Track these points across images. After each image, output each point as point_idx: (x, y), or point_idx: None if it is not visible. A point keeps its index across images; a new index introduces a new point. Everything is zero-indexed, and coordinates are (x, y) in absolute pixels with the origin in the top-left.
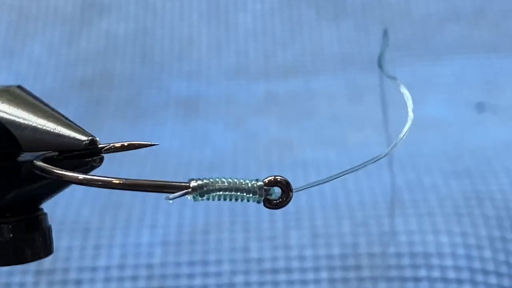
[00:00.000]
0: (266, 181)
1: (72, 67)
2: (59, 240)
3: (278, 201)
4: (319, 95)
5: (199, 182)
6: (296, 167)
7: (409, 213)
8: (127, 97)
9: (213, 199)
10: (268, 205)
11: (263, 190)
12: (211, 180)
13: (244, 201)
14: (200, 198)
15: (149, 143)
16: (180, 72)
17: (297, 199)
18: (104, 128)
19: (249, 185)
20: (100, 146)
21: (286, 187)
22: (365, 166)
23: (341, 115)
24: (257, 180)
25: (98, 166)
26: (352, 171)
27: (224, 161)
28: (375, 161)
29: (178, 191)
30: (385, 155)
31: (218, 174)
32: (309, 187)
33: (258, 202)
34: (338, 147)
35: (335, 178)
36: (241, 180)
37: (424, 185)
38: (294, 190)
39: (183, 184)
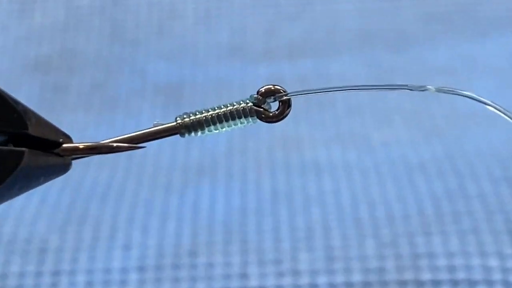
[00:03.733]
0: (262, 91)
1: (24, 45)
2: (9, 265)
3: (277, 111)
4: (334, 81)
5: (185, 117)
6: (306, 171)
7: (449, 230)
8: (92, 83)
9: (206, 131)
10: (267, 119)
11: (259, 100)
12: (197, 111)
13: (239, 125)
14: (192, 134)
15: (132, 145)
16: (159, 52)
17: (308, 212)
18: (64, 121)
19: (241, 103)
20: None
21: (278, 94)
22: (396, 89)
23: (362, 106)
24: (250, 97)
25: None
26: (375, 89)
27: (215, 165)
28: (409, 89)
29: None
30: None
31: (208, 180)
32: (310, 93)
33: (254, 116)
34: (359, 146)
35: (349, 89)
36: (231, 103)
37: (468, 194)
38: (289, 94)
39: (172, 124)
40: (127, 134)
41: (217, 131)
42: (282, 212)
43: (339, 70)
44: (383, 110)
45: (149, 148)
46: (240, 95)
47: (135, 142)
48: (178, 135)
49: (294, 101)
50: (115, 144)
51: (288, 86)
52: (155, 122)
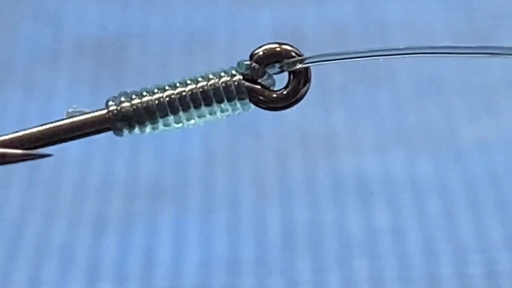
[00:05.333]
0: (260, 53)
1: None
2: None
3: (285, 90)
4: (392, 35)
5: (124, 100)
6: (344, 194)
7: None
8: None
9: (160, 125)
10: (267, 103)
11: (254, 69)
12: (145, 91)
13: (218, 114)
14: (135, 129)
15: (31, 152)
16: None
17: (348, 266)
18: None
19: (223, 75)
20: None
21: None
22: (501, 54)
23: (442, 81)
24: (238, 65)
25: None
26: (465, 54)
27: (183, 185)
28: None
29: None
30: None
31: (171, 212)
32: (346, 58)
33: (246, 98)
34: (437, 150)
35: (418, 54)
36: (205, 74)
37: None
38: (307, 60)
39: (101, 113)
40: (22, 130)
41: (179, 125)
42: (302, 267)
43: (401, 14)
44: (480, 88)
45: (62, 156)
46: (223, 60)
47: (36, 145)
48: (111, 132)
49: (316, 72)
50: (0, 150)
51: (309, 46)
52: (71, 110)
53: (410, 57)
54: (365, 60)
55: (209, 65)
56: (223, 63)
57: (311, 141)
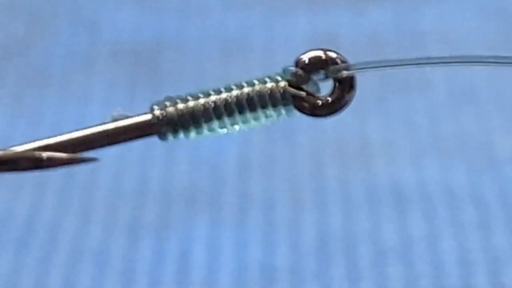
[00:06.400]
0: (305, 60)
1: None
2: None
3: (330, 97)
4: (429, 43)
5: (168, 105)
6: (380, 204)
7: None
8: (6, 42)
9: (204, 130)
10: (312, 110)
11: (299, 77)
12: (190, 96)
13: (263, 120)
14: (180, 134)
15: (75, 156)
16: None
17: (382, 275)
18: None
19: (267, 81)
20: None
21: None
22: None
23: (479, 91)
24: (283, 71)
25: None
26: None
27: (219, 192)
28: None
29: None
30: None
31: (206, 218)
32: (390, 66)
33: (290, 104)
34: (473, 161)
35: (458, 63)
36: (249, 81)
37: None
38: (353, 67)
39: (145, 117)
40: (63, 134)
41: (223, 130)
42: (336, 275)
43: (437, 23)
44: None
45: (102, 161)
46: (259, 67)
47: (79, 149)
48: (155, 137)
49: (360, 79)
50: (44, 154)
51: (344, 54)
52: (115, 113)
53: (454, 66)
54: (409, 68)
55: (244, 71)
56: (258, 70)
57: (346, 149)
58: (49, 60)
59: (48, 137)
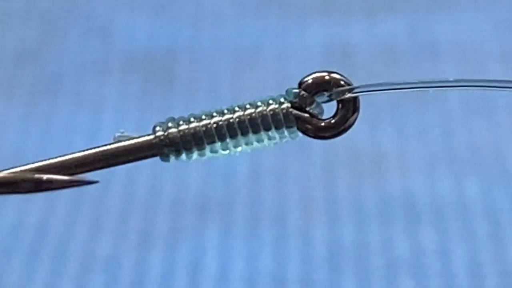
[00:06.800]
0: (309, 81)
1: None
2: None
3: (333, 118)
4: (443, 53)
5: (171, 126)
6: (392, 215)
7: None
8: (17, 49)
9: (207, 152)
10: (315, 131)
11: (303, 98)
12: (193, 117)
13: (266, 142)
14: (182, 155)
15: (76, 179)
16: (138, 4)
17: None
18: None
19: (271, 103)
20: None
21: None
22: None
23: (493, 103)
24: (287, 93)
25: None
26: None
27: (230, 201)
28: None
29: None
30: None
31: (217, 228)
32: (395, 89)
33: (293, 126)
34: (485, 171)
35: (470, 87)
36: (253, 102)
37: None
38: (356, 90)
39: (148, 138)
40: (68, 154)
41: (226, 152)
42: (348, 286)
43: (451, 34)
44: None
45: (109, 170)
46: (272, 76)
47: (81, 170)
48: (157, 158)
49: (368, 95)
50: (44, 177)
51: (358, 64)
52: (118, 134)
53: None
54: (414, 91)
55: (258, 80)
56: (272, 79)
57: (359, 159)
58: (62, 68)
59: (51, 158)
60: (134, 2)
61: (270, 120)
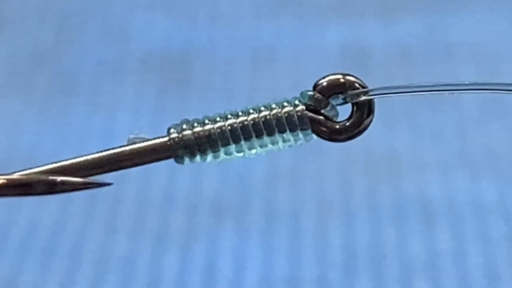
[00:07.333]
0: (324, 84)
1: None
2: None
3: (348, 121)
4: (458, 54)
5: (185, 128)
6: (407, 217)
7: None
8: (35, 50)
9: (221, 154)
10: (330, 134)
11: (318, 100)
12: (207, 119)
13: (280, 144)
14: (196, 158)
15: (90, 181)
16: (154, 5)
17: None
18: None
19: (285, 105)
20: None
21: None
22: None
23: (507, 102)
24: (302, 95)
25: None
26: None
27: (246, 201)
28: None
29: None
30: None
31: (232, 228)
32: (402, 92)
33: (308, 128)
34: (504, 174)
35: (486, 91)
36: (267, 104)
37: None
38: (372, 92)
39: (162, 140)
40: (83, 156)
41: (241, 154)
42: None
43: (467, 35)
44: None
45: (125, 171)
46: (289, 77)
47: (96, 172)
48: (172, 160)
49: (383, 99)
50: (58, 179)
51: (374, 65)
52: (132, 136)
53: (475, 93)
54: (428, 94)
55: (274, 81)
56: (288, 80)
57: (374, 161)
58: (78, 69)
59: (65, 160)
60: (151, 2)
61: (285, 123)
